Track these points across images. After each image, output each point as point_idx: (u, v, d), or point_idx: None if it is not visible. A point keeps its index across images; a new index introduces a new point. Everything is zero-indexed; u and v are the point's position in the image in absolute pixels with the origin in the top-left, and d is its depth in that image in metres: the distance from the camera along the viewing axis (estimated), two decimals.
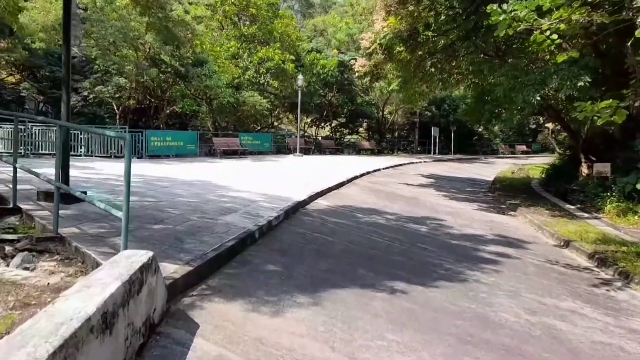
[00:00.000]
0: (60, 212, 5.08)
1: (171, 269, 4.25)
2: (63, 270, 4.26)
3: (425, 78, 15.71)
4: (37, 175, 5.55)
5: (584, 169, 13.36)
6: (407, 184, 15.40)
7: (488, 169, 26.72)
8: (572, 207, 11.09)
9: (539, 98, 9.91)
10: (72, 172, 11.56)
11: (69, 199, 6.26)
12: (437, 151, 36.17)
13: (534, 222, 9.41)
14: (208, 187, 10.06)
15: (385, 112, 37.43)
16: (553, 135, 26.43)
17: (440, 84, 16.54)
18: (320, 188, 10.96)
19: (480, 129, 42.96)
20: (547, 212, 10.38)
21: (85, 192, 5.84)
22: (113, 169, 13.17)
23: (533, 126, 45.69)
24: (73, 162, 15.13)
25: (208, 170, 15.07)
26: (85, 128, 17.10)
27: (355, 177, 15.24)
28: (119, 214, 3.92)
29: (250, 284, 4.54)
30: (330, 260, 5.69)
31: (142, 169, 13.67)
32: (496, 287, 5.21)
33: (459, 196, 13.46)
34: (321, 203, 9.66)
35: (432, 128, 35.98)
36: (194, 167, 15.98)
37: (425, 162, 28.02)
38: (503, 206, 11.79)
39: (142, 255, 3.40)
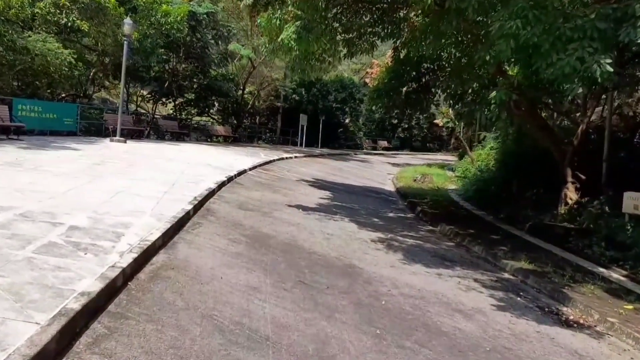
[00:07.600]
0: None
1: None
2: None
3: (330, 32, 9.65)
4: None
5: (571, 193, 8.88)
6: (302, 208, 9.08)
7: (370, 171, 22.25)
8: (623, 277, 6.20)
9: (610, 68, 4.75)
10: None
11: None
12: (303, 143, 30.71)
13: None
14: None
15: (245, 92, 30.50)
16: (461, 135, 23.08)
17: (346, 48, 10.68)
18: (125, 262, 3.95)
19: (347, 121, 39.53)
20: (620, 300, 5.19)
21: None
22: None
23: (395, 121, 44.37)
24: None
25: None
26: None
27: (212, 193, 8.41)
28: None
29: None
30: None
31: None
32: None
33: (406, 242, 7.61)
34: None
35: (301, 116, 30.39)
36: None
37: (296, 157, 22.19)
38: (513, 277, 6.28)
39: None
